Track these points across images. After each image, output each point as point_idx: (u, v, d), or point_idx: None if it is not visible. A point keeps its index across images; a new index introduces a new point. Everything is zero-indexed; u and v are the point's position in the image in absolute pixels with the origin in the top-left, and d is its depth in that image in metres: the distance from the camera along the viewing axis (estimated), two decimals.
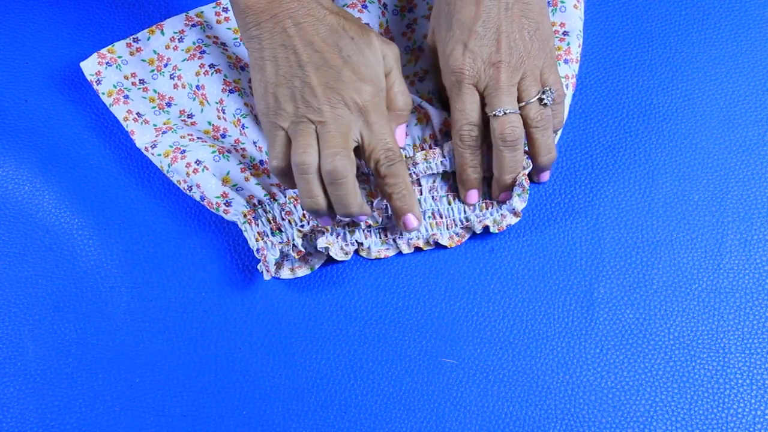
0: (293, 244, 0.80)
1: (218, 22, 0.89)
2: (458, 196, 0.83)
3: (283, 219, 0.81)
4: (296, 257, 0.81)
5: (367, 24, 0.86)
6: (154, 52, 0.87)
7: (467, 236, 0.83)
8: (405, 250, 0.82)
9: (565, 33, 0.84)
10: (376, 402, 0.78)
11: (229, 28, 0.89)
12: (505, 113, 0.77)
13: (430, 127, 0.82)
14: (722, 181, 0.84)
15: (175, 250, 0.83)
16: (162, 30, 0.88)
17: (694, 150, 0.85)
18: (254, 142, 0.83)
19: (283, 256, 0.82)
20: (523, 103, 0.78)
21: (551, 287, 0.81)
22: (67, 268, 0.83)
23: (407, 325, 0.80)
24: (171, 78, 0.86)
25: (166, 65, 0.87)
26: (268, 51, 0.76)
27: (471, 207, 0.83)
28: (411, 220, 0.79)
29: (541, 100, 0.79)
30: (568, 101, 0.83)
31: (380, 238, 0.83)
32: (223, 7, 0.89)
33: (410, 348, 0.80)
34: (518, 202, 0.81)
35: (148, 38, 0.87)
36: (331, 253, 0.81)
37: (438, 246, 0.83)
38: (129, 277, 0.82)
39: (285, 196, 0.82)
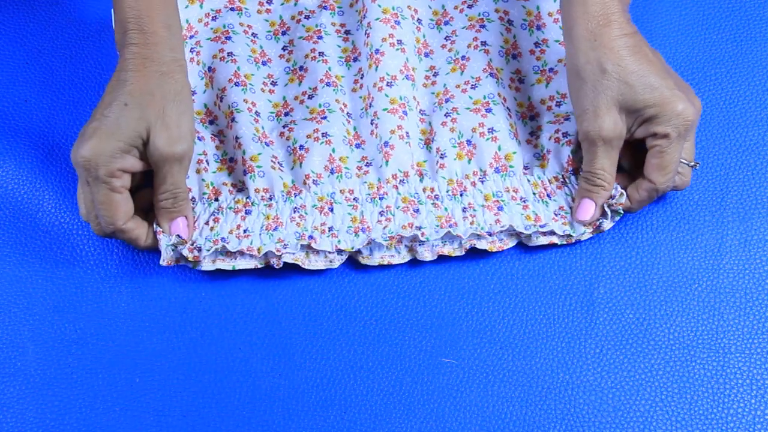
0: (199, 249, 0.79)
1: (259, 12, 0.89)
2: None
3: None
4: (190, 258, 0.79)
5: (400, 40, 0.85)
6: (186, 21, 0.87)
7: (514, 242, 0.82)
8: (427, 257, 0.81)
9: None
10: (376, 402, 0.78)
11: (267, 20, 0.89)
12: (693, 166, 0.80)
13: (474, 164, 0.82)
14: (722, 181, 0.84)
15: None
16: (201, 3, 0.87)
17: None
18: (236, 137, 0.83)
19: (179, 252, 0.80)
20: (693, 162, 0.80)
21: (551, 287, 0.81)
22: (67, 268, 0.83)
23: (407, 325, 0.80)
24: (191, 51, 0.86)
25: (191, 37, 0.87)
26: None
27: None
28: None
29: (694, 166, 0.80)
30: None
31: (386, 241, 0.80)
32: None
33: (410, 348, 0.80)
34: (607, 224, 0.81)
35: (186, 6, 0.87)
36: (305, 266, 0.80)
37: (475, 250, 0.82)
38: (129, 277, 0.82)
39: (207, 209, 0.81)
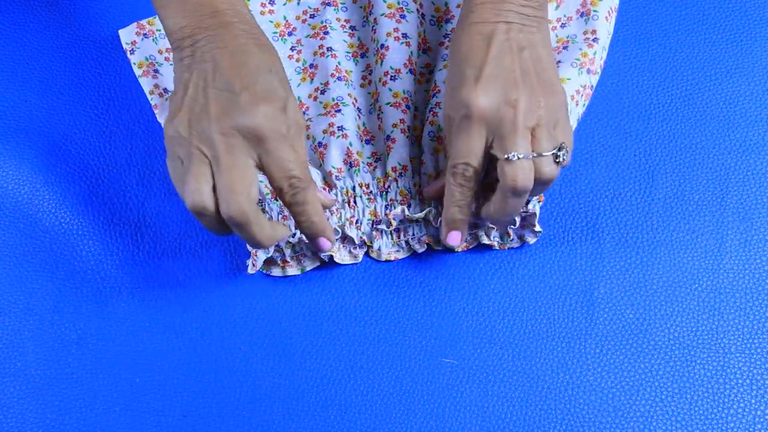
0: (283, 251, 0.80)
1: (262, 13, 0.89)
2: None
3: (281, 221, 0.81)
4: (281, 265, 0.81)
5: (405, 34, 0.85)
6: None
7: (475, 243, 0.82)
8: (417, 248, 0.82)
9: (594, 40, 0.83)
10: (376, 402, 0.78)
11: (272, 21, 0.89)
12: (518, 158, 0.71)
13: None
14: (722, 181, 0.84)
15: (175, 250, 0.83)
16: None
17: (694, 150, 0.85)
18: None
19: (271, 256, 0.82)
20: (536, 154, 0.72)
21: (551, 287, 0.81)
22: (67, 268, 0.83)
23: (407, 325, 0.80)
24: None
25: None
26: (184, 74, 0.74)
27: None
28: (323, 242, 0.76)
29: (556, 156, 0.73)
30: (581, 111, 0.83)
31: (392, 239, 0.83)
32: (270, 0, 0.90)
33: (410, 348, 0.80)
34: (530, 238, 0.82)
35: None
36: (336, 260, 0.81)
37: (448, 249, 0.82)
38: (129, 277, 0.82)
39: None
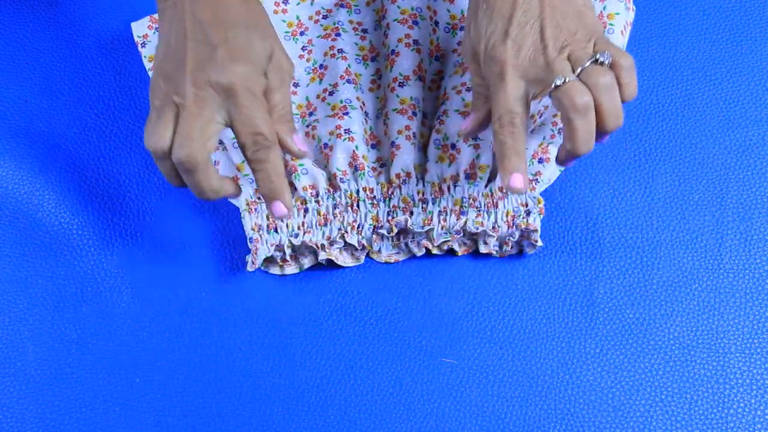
0: (284, 250, 0.80)
1: (275, 12, 0.89)
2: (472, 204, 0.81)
3: (281, 221, 0.81)
4: (280, 264, 0.81)
5: (416, 41, 0.85)
6: None
7: (474, 248, 0.82)
8: (416, 252, 0.82)
9: None
10: (376, 402, 0.78)
11: (284, 21, 0.89)
12: (565, 81, 0.70)
13: (454, 168, 0.82)
14: (722, 181, 0.84)
15: (175, 250, 0.83)
16: None
17: (694, 150, 0.85)
18: None
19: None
20: (579, 69, 0.71)
21: (551, 287, 0.81)
22: (67, 268, 0.83)
23: (407, 325, 0.80)
24: None
25: None
26: (165, 26, 0.75)
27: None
28: (278, 207, 0.74)
29: (596, 60, 0.71)
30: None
31: (392, 242, 0.82)
32: None
33: (410, 348, 0.80)
34: (529, 249, 0.81)
35: None
36: (339, 263, 0.81)
37: (449, 252, 0.82)
38: (129, 277, 0.82)
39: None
